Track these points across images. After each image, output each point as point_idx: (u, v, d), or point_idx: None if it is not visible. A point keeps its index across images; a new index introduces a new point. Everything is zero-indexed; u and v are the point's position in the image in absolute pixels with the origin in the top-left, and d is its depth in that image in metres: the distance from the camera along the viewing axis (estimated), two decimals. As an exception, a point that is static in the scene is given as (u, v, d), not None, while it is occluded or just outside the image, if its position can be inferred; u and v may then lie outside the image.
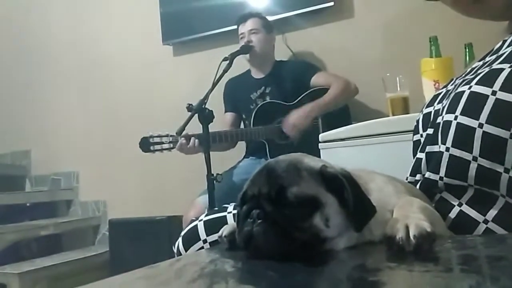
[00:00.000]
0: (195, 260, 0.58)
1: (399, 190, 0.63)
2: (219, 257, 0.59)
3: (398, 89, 1.76)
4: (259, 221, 0.55)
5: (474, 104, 0.65)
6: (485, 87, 0.64)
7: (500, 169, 0.63)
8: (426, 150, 0.75)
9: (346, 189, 0.55)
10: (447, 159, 0.68)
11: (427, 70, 1.73)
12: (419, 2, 2.26)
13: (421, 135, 0.80)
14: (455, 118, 0.67)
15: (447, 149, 0.68)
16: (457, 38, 1.85)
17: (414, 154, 0.82)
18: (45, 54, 3.47)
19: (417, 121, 0.83)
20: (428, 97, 1.64)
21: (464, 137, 0.65)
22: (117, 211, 3.04)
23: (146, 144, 2.13)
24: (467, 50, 1.78)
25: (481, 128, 0.63)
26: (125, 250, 2.63)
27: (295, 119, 2.17)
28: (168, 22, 2.92)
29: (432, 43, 1.76)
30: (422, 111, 0.83)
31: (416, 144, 0.82)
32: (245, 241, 0.56)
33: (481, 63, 0.75)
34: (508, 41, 0.72)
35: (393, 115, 1.74)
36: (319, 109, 2.19)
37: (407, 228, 0.50)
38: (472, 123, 0.64)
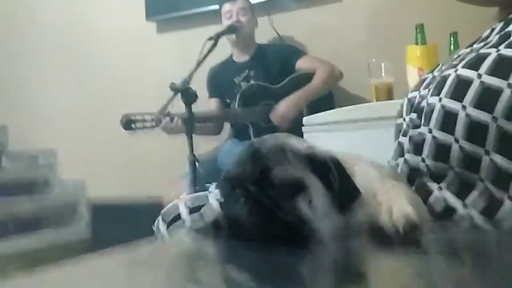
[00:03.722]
0: (175, 241, 0.57)
1: (383, 175, 0.63)
2: (199, 238, 0.58)
3: (383, 75, 1.76)
4: (242, 201, 0.54)
5: (459, 87, 0.65)
6: (471, 70, 0.65)
7: (481, 152, 0.63)
8: (409, 134, 0.75)
9: (332, 172, 0.54)
10: (429, 141, 0.68)
11: (412, 57, 1.73)
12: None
13: (404, 119, 0.80)
14: (439, 100, 0.67)
15: (430, 131, 0.68)
16: (443, 26, 1.85)
17: (396, 138, 0.82)
18: (26, 29, 3.36)
19: (401, 105, 0.83)
20: (412, 84, 1.67)
21: (447, 119, 0.66)
22: (97, 191, 2.98)
23: (127, 122, 2.09)
24: (452, 39, 1.79)
25: (464, 110, 0.63)
26: (104, 230, 2.61)
27: (284, 109, 2.13)
28: (152, -3, 2.84)
29: (418, 30, 1.76)
30: (407, 95, 0.83)
31: (398, 128, 0.82)
32: (228, 221, 0.55)
33: (468, 50, 0.75)
34: (497, 29, 0.72)
35: (377, 101, 1.75)
36: (307, 96, 2.16)
37: (390, 213, 0.50)
38: (456, 105, 0.65)
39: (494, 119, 0.62)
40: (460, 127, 0.64)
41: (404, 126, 0.79)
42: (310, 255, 0.50)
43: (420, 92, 0.77)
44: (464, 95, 0.64)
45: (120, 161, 3.00)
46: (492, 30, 0.73)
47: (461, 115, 0.64)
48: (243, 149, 0.59)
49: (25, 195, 3.08)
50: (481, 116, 0.62)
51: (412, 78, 1.70)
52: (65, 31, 3.22)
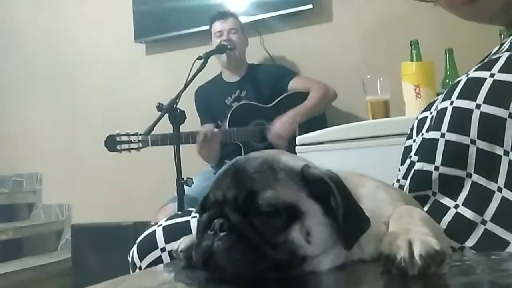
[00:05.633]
0: (138, 283, 0.46)
1: (394, 198, 0.53)
2: (170, 280, 0.48)
3: (379, 92, 1.70)
4: (221, 233, 0.44)
5: (471, 87, 0.63)
6: (483, 71, 0.63)
7: (499, 151, 0.60)
8: (420, 141, 0.71)
9: (334, 196, 0.44)
10: (443, 146, 0.64)
11: (407, 74, 1.68)
12: (399, 6, 2.27)
13: (414, 141, 0.76)
14: (451, 103, 0.64)
15: (443, 135, 0.64)
16: (438, 43, 1.82)
17: (403, 160, 0.77)
18: (12, 49, 3.31)
19: (412, 127, 0.79)
20: (408, 102, 1.61)
21: (460, 120, 0.62)
22: (82, 216, 2.90)
23: (112, 143, 2.01)
24: (447, 55, 1.75)
25: (479, 109, 0.61)
26: (88, 257, 2.51)
27: (280, 128, 2.10)
28: (141, 20, 2.81)
29: (413, 47, 1.72)
30: (417, 117, 0.79)
31: (407, 149, 0.77)
32: (203, 259, 0.44)
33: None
34: (507, 43, 0.69)
35: (373, 118, 1.68)
36: (302, 115, 2.12)
37: (410, 246, 0.40)
38: (469, 105, 0.62)
39: (511, 115, 0.59)
40: (475, 126, 0.61)
41: (413, 147, 0.74)
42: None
43: (431, 112, 0.74)
44: (477, 94, 0.61)
45: (106, 185, 2.91)
46: (502, 45, 0.70)
47: (476, 114, 0.61)
48: (225, 167, 0.49)
49: (8, 221, 2.99)
50: (497, 112, 0.60)
51: (408, 96, 1.64)
52: (53, 51, 3.15)
